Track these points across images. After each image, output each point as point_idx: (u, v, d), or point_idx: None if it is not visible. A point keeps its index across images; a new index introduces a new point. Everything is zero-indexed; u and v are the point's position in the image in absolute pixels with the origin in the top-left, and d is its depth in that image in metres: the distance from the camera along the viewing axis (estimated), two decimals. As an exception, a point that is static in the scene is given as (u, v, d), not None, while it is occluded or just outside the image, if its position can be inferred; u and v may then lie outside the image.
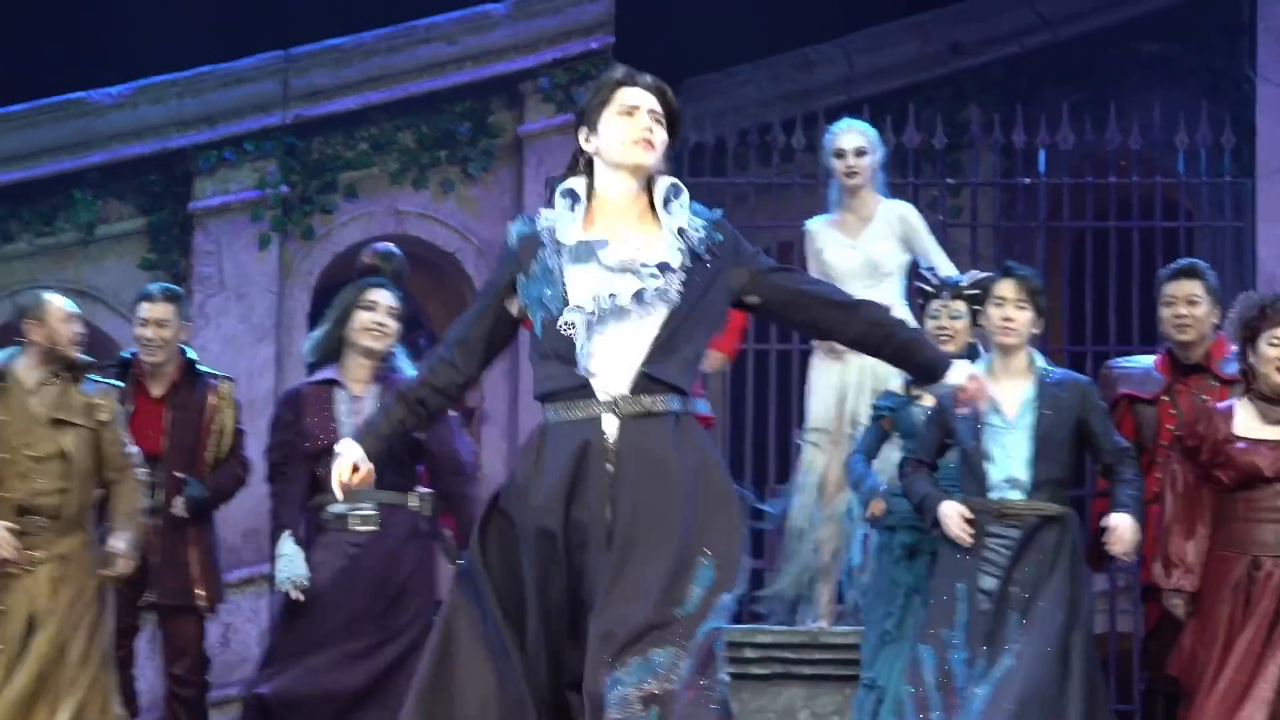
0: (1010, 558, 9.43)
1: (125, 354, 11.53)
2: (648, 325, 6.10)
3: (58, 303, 10.52)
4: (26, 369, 10.40)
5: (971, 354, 10.03)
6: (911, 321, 9.98)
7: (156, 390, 11.22)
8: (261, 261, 14.68)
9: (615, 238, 6.22)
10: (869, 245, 11.39)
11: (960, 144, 14.40)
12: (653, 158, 6.25)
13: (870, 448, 10.57)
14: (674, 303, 6.10)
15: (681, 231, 6.23)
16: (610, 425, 6.10)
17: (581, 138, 6.28)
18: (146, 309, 11.15)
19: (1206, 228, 14.52)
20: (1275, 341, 9.05)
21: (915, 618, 10.03)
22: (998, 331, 9.56)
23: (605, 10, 15.00)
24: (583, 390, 6.12)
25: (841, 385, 11.52)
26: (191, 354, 11.45)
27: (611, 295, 6.10)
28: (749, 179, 14.62)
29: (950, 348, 10.00)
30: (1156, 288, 10.10)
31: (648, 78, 6.31)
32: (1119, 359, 10.78)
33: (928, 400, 10.04)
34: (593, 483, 6.11)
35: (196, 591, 11.18)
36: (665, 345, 6.11)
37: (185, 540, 11.23)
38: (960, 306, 10.12)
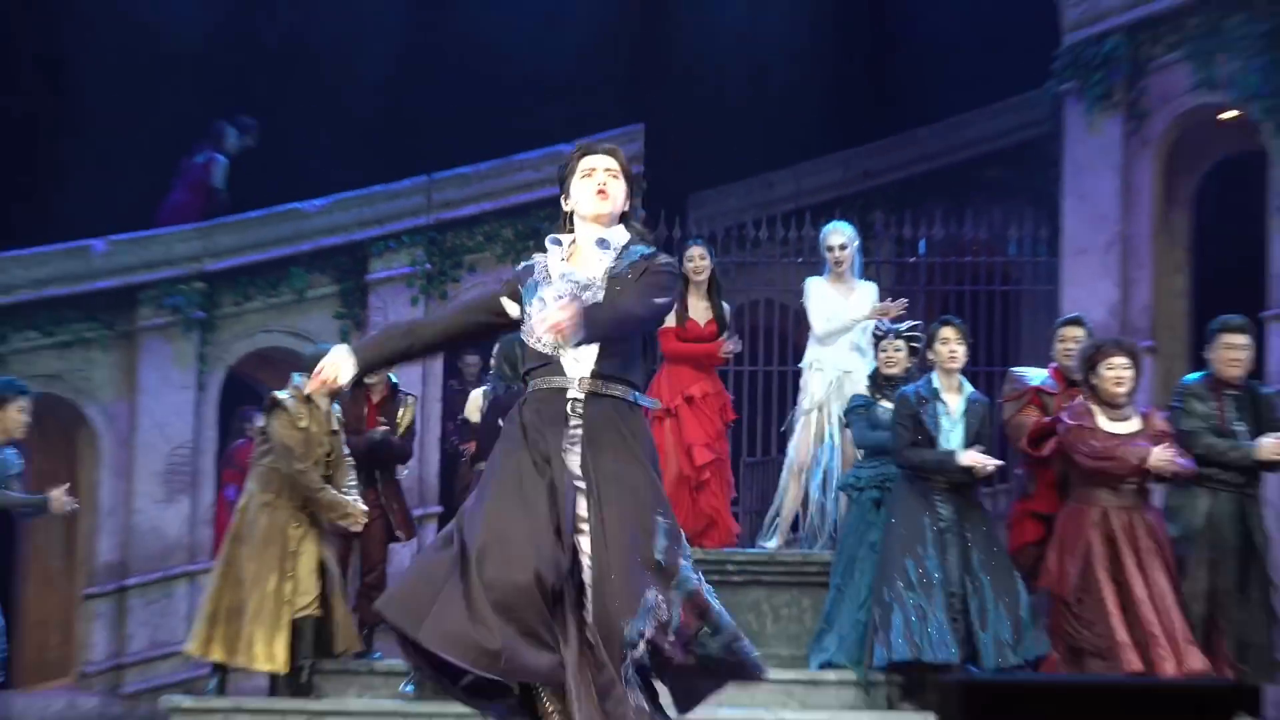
0: (952, 502, 10.42)
1: None
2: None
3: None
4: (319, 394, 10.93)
5: (909, 375, 11.06)
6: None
7: (375, 398, 12.22)
8: (413, 311, 15.45)
9: (584, 268, 6.51)
10: (854, 306, 12.07)
11: (869, 235, 14.97)
12: (609, 205, 6.54)
13: (864, 431, 11.22)
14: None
15: (615, 258, 6.50)
16: (574, 396, 6.42)
17: (563, 201, 6.67)
18: None
19: (1028, 291, 15.83)
20: (1111, 368, 9.89)
21: (879, 549, 10.68)
22: (947, 361, 10.55)
23: (637, 149, 15.38)
24: (556, 368, 6.44)
25: (823, 391, 12.14)
26: (394, 378, 12.30)
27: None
28: (731, 259, 15.46)
29: (895, 370, 11.05)
30: (1053, 331, 11.08)
31: (603, 144, 6.71)
32: (1020, 369, 11.38)
33: (888, 404, 10.93)
34: (561, 436, 6.39)
35: (397, 533, 12.29)
36: (605, 347, 6.44)
37: (389, 493, 12.30)
38: (901, 343, 11.14)
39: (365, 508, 11.50)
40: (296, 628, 11.38)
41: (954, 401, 10.58)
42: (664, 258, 6.67)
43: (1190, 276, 14.99)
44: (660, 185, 15.97)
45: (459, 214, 15.98)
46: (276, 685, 11.61)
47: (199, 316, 15.36)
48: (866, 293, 12.30)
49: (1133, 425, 9.97)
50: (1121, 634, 9.69)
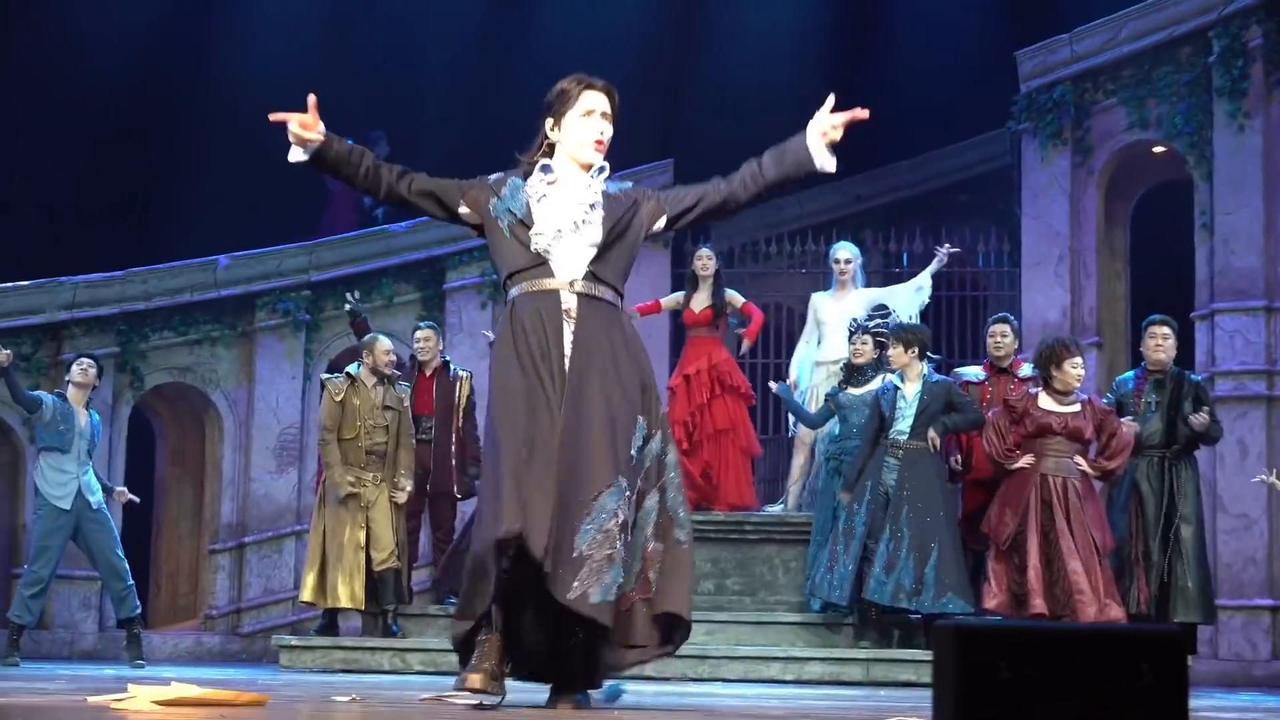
0: (899, 470, 10.55)
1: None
2: (588, 237, 5.59)
3: (381, 343, 11.84)
4: (365, 375, 11.77)
5: (876, 365, 11.18)
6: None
7: (429, 373, 12.35)
8: (483, 316, 15.34)
9: (568, 189, 5.66)
10: (847, 309, 12.17)
11: (860, 250, 13.87)
12: (600, 157, 5.72)
13: (818, 418, 11.68)
14: (599, 229, 5.58)
15: (603, 192, 5.65)
16: (567, 298, 5.57)
17: (548, 126, 5.76)
18: (421, 334, 12.55)
19: (994, 296, 15.88)
20: (1074, 365, 9.95)
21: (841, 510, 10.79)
22: (892, 362, 10.75)
23: (668, 180, 15.09)
24: (545, 272, 5.59)
25: (823, 378, 12.19)
26: (447, 357, 12.57)
27: (566, 218, 5.60)
28: (745, 270, 15.69)
29: (862, 360, 11.19)
30: (984, 329, 11.52)
31: (602, 81, 5.80)
32: (961, 367, 11.90)
33: (854, 390, 11.17)
34: (556, 337, 5.55)
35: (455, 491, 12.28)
36: (604, 257, 5.59)
37: (451, 456, 12.27)
38: (868, 338, 11.26)
39: (355, 490, 11.53)
40: (380, 577, 11.43)
41: (910, 389, 10.63)
42: (645, 188, 5.92)
43: (1129, 284, 15.05)
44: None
45: (521, 235, 15.94)
46: (366, 628, 11.75)
47: (305, 319, 15.39)
48: (859, 297, 12.42)
49: (1075, 407, 10.03)
50: (1034, 583, 9.74)
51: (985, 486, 10.74)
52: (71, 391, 11.81)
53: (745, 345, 12.80)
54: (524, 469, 5.43)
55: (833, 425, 11.49)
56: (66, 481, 11.55)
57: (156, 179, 17.00)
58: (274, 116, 5.66)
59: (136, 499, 12.40)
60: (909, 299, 12.47)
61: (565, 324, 5.57)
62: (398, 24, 17.80)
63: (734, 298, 12.65)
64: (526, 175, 5.76)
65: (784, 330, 15.84)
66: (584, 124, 5.74)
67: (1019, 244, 15.04)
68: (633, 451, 5.55)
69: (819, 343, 12.49)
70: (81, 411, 11.80)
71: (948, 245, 12.69)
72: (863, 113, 5.66)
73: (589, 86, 5.77)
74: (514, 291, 5.67)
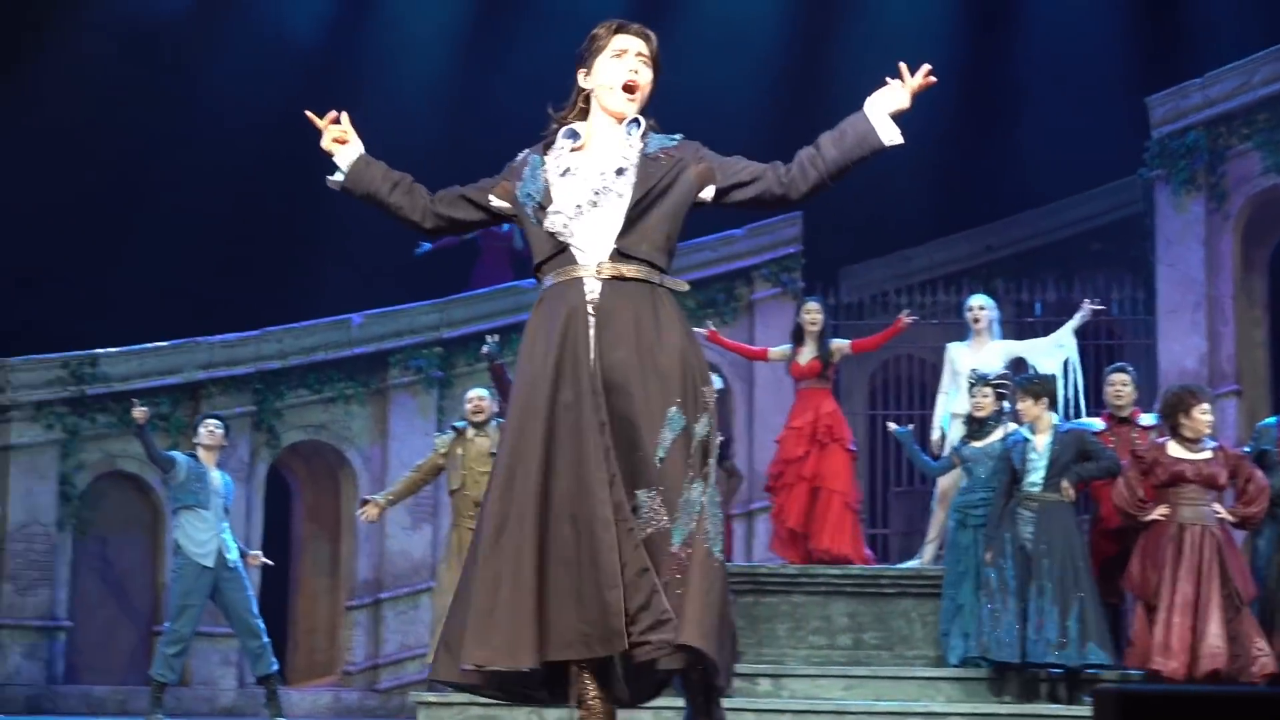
0: (1035, 523, 10.28)
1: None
2: (613, 211, 5.07)
3: (470, 394, 11.69)
4: (470, 427, 11.58)
5: (997, 417, 11.00)
6: None
7: None
8: None
9: (597, 153, 5.16)
10: (983, 360, 11.87)
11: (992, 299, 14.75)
12: (635, 106, 5.21)
13: (940, 467, 11.73)
14: (627, 197, 5.07)
15: (642, 140, 5.15)
16: (592, 286, 5.03)
17: (580, 76, 5.27)
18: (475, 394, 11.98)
19: (1130, 345, 15.53)
20: (1203, 411, 9.76)
21: (978, 561, 10.62)
22: (1022, 415, 10.51)
23: (797, 232, 15.76)
24: (568, 259, 5.08)
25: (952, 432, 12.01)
26: None
27: (586, 193, 5.09)
28: (876, 321, 14.63)
29: (984, 414, 11.00)
30: (1104, 378, 11.15)
31: (636, 25, 5.29)
32: (1079, 420, 11.43)
33: (977, 443, 11.00)
34: (578, 332, 5.00)
35: None
36: (637, 228, 5.07)
37: None
38: (989, 390, 11.06)
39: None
40: None
41: (1041, 440, 10.44)
42: (698, 144, 5.31)
43: (1268, 330, 14.92)
44: (816, 261, 16.02)
45: (645, 282, 15.92)
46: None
47: (438, 376, 15.45)
48: (996, 349, 12.29)
49: (1206, 454, 9.82)
50: (1174, 641, 9.56)
51: (1114, 536, 10.59)
52: (201, 452, 11.84)
53: (871, 341, 12.71)
54: (508, 555, 4.91)
55: (961, 478, 11.36)
56: (208, 539, 11.58)
57: (291, 239, 17.20)
58: (308, 115, 5.47)
59: (271, 562, 12.42)
60: (1049, 354, 12.29)
61: (589, 318, 5.04)
62: (528, 85, 17.84)
63: (840, 345, 12.50)
64: (549, 146, 5.27)
65: (915, 381, 15.75)
66: (614, 65, 5.23)
67: (1154, 292, 14.91)
68: (660, 453, 4.95)
69: (956, 393, 12.30)
70: (214, 470, 11.83)
71: (1090, 301, 12.45)
72: (931, 78, 5.23)
73: (621, 29, 5.26)
74: (543, 285, 5.17)
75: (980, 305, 12.39)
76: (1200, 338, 14.33)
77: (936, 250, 17.06)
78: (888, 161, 16.55)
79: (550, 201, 5.12)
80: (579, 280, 5.06)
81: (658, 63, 5.26)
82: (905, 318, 12.41)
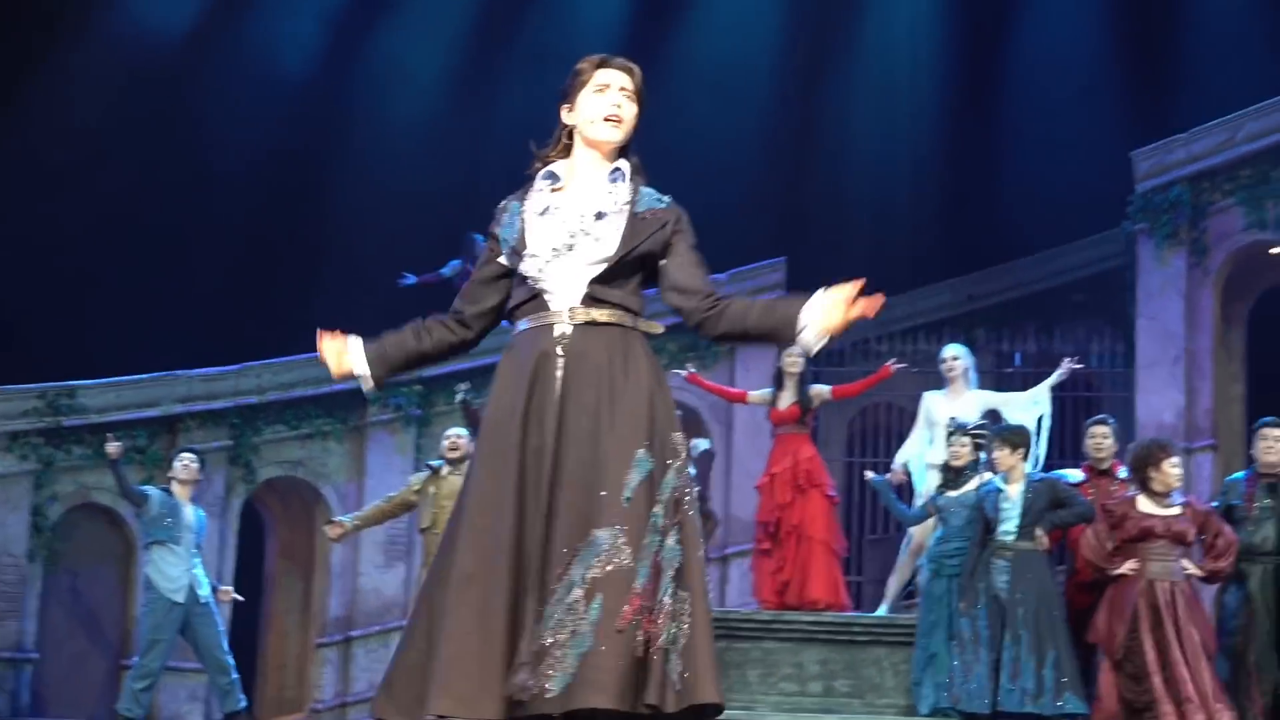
0: (1010, 572, 10.22)
1: None
2: (588, 255, 4.97)
3: (460, 437, 11.42)
4: (445, 467, 11.40)
5: (974, 467, 10.94)
6: None
7: None
8: None
9: (577, 191, 5.10)
10: (961, 410, 11.84)
11: (973, 349, 14.02)
12: (619, 134, 5.13)
13: (915, 515, 11.63)
14: (607, 242, 4.99)
15: (630, 194, 5.08)
16: (563, 330, 4.93)
17: (563, 112, 5.18)
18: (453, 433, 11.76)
19: (1108, 397, 15.41)
20: (1172, 465, 9.73)
21: (952, 611, 10.61)
22: (997, 465, 10.52)
23: (780, 277, 15.82)
24: (541, 304, 4.98)
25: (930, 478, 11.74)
26: None
27: (562, 235, 4.99)
28: (856, 369, 14.94)
29: (960, 463, 10.97)
30: (1084, 429, 11.00)
31: (620, 59, 5.21)
32: (1060, 471, 11.19)
33: (952, 493, 10.93)
34: (547, 377, 4.90)
35: None
36: (609, 273, 4.96)
37: None
38: (967, 439, 11.04)
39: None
40: None
41: (1014, 489, 10.42)
42: (682, 211, 5.17)
43: (1246, 386, 14.93)
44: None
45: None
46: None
47: (416, 414, 15.45)
48: (973, 399, 12.25)
49: (1175, 509, 9.80)
50: (1160, 691, 9.49)
51: (1089, 587, 10.34)
52: (176, 487, 11.77)
53: (853, 388, 12.77)
54: (476, 605, 4.80)
55: (935, 528, 11.32)
56: (179, 575, 11.51)
57: (274, 275, 17.23)
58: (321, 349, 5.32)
59: (241, 598, 12.33)
60: (1024, 409, 12.18)
61: (558, 360, 4.94)
62: (518, 123, 17.88)
63: (820, 391, 12.52)
64: (528, 190, 5.18)
65: (893, 429, 15.68)
66: (597, 100, 5.13)
67: (1133, 345, 14.93)
68: (627, 493, 4.81)
69: (930, 442, 12.24)
70: (188, 505, 11.76)
71: (1069, 360, 12.36)
72: (871, 311, 5.09)
73: (604, 64, 5.16)
74: (515, 329, 5.08)
75: (954, 355, 12.38)
76: (1178, 392, 14.33)
77: (919, 299, 16.91)
78: (873, 208, 16.62)
79: (525, 245, 5.04)
80: (549, 326, 4.98)
81: (642, 97, 5.18)
82: (893, 366, 12.42)
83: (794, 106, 18.42)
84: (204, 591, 11.62)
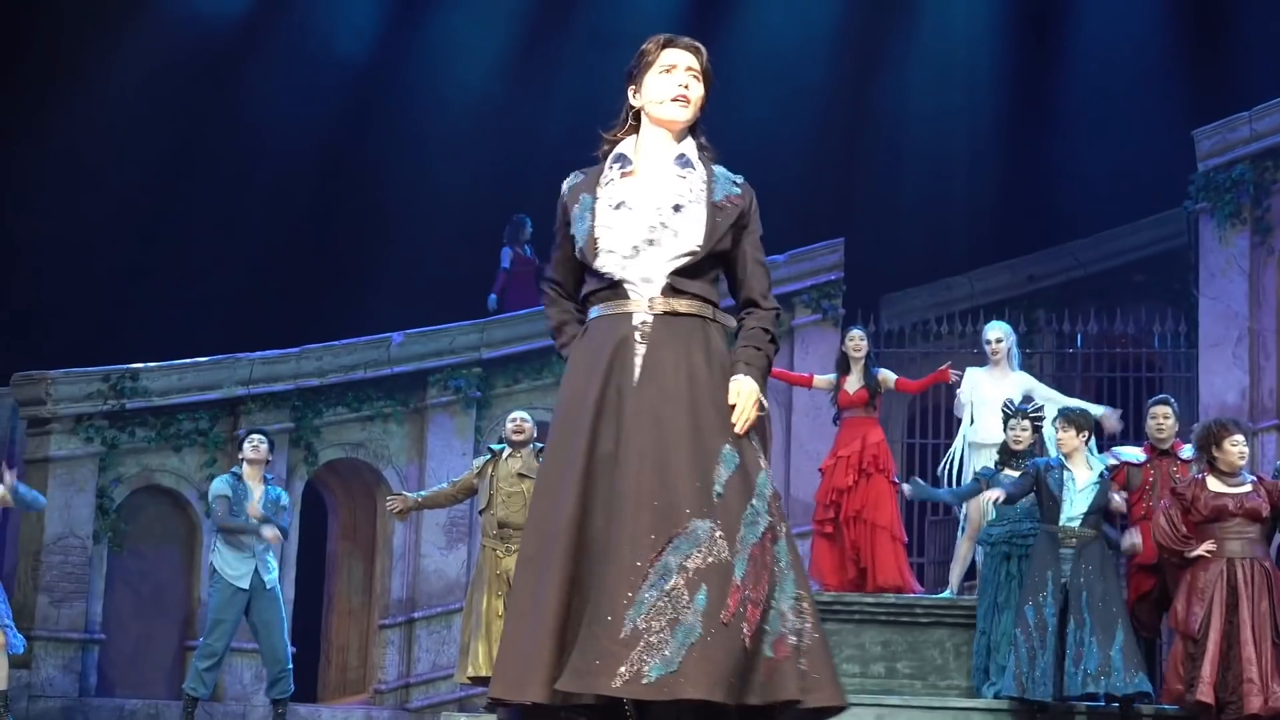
0: (1073, 560, 10.26)
1: None
2: (669, 250, 4.93)
3: (526, 421, 11.40)
4: (511, 448, 11.29)
5: (1032, 450, 11.03)
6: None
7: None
8: None
9: (650, 180, 5.05)
10: (1005, 391, 11.82)
11: (1034, 331, 15.65)
12: (687, 113, 5.08)
13: (966, 493, 11.54)
14: (687, 236, 4.95)
15: (705, 180, 5.04)
16: (643, 319, 4.90)
17: (630, 94, 5.13)
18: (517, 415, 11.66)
19: (1171, 378, 15.41)
20: (1234, 443, 9.70)
21: (1013, 594, 10.68)
22: (1059, 444, 10.55)
23: (838, 259, 15.66)
24: (620, 293, 4.95)
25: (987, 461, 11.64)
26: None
27: (641, 231, 4.96)
28: (916, 349, 15.54)
29: (1020, 446, 10.98)
30: (1145, 410, 11.11)
31: (685, 39, 5.15)
32: (1119, 447, 11.48)
33: (1010, 472, 10.91)
34: (625, 364, 4.88)
35: None
36: (690, 266, 4.93)
37: None
38: (1027, 422, 11.11)
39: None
40: None
41: (1081, 474, 10.42)
42: (753, 194, 5.14)
43: (1311, 365, 14.76)
44: (858, 288, 16.04)
45: (683, 312, 15.89)
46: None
47: (476, 396, 15.37)
48: (1017, 381, 12.22)
49: (1246, 487, 9.76)
50: (1206, 671, 9.47)
51: (1151, 570, 10.55)
52: (245, 469, 11.80)
53: (914, 385, 12.79)
54: (530, 589, 4.82)
55: (988, 509, 11.28)
56: (243, 560, 11.55)
57: (333, 258, 17.34)
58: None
59: (280, 535, 11.94)
60: (1055, 404, 11.97)
61: (638, 346, 4.92)
62: (576, 105, 17.82)
63: (886, 377, 12.51)
64: (598, 175, 5.13)
65: (941, 411, 15.60)
66: (663, 80, 5.09)
67: (1196, 325, 14.86)
68: (718, 487, 4.79)
69: (972, 421, 12.28)
70: (256, 487, 11.76)
71: (1115, 418, 12.21)
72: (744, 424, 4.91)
73: (669, 43, 5.13)
74: (590, 315, 5.06)
75: (998, 337, 12.38)
76: (1242, 371, 14.21)
77: (979, 280, 16.90)
78: (931, 189, 16.65)
79: (603, 239, 5.01)
80: (628, 315, 4.95)
81: (709, 77, 5.15)
82: (951, 372, 12.35)
83: (852, 89, 18.39)
84: (270, 577, 11.65)
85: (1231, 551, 9.71)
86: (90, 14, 16.85)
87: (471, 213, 17.34)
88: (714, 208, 5.01)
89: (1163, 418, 10.96)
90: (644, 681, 4.62)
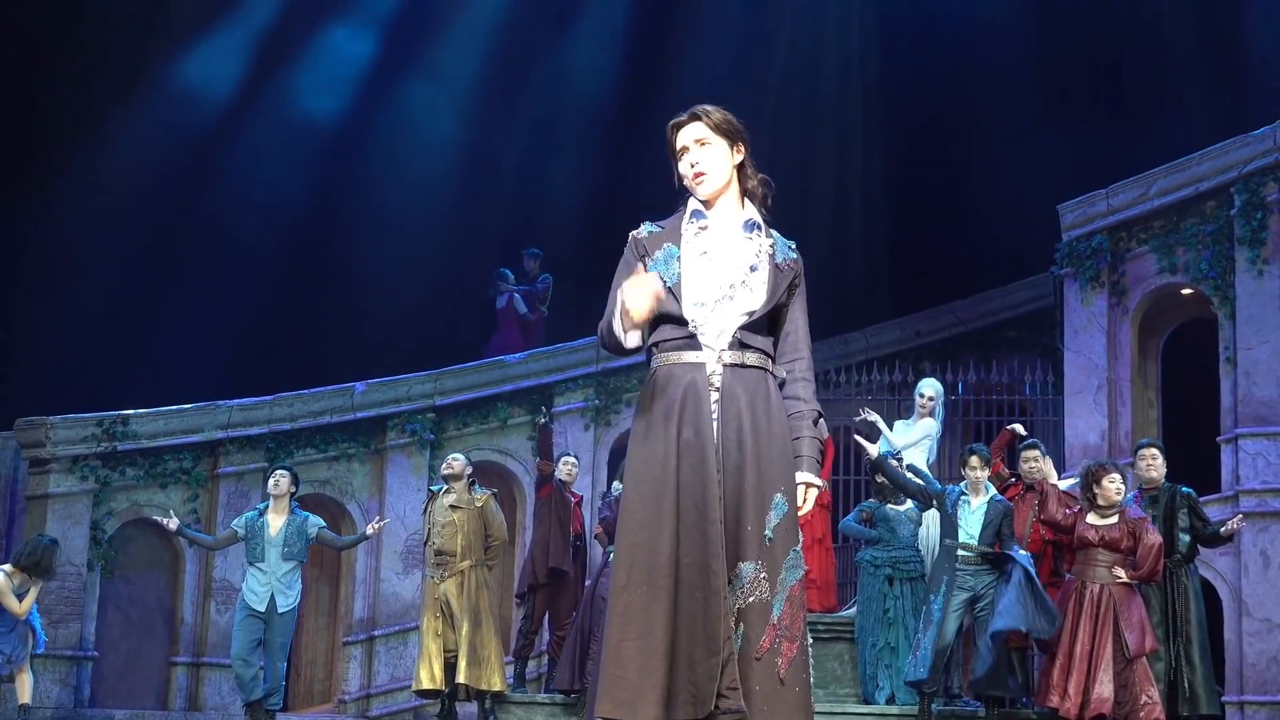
0: (972, 573, 10.36)
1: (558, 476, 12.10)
2: (742, 305, 4.83)
3: (457, 459, 11.53)
4: (450, 487, 11.41)
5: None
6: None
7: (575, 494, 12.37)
8: (585, 435, 15.55)
9: (725, 238, 4.94)
10: (921, 435, 12.05)
11: (920, 379, 14.48)
12: (707, 187, 4.96)
13: (852, 526, 11.65)
14: (758, 294, 4.86)
15: (770, 244, 4.95)
16: (714, 369, 4.81)
17: (675, 179, 5.05)
18: (569, 460, 12.35)
19: (1040, 421, 15.36)
20: (1112, 480, 9.81)
21: (899, 610, 10.88)
22: (969, 476, 10.56)
23: None
24: (694, 343, 4.82)
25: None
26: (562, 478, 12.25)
27: (722, 285, 4.85)
28: (820, 397, 15.96)
29: (976, 477, 10.63)
30: (1018, 452, 11.30)
31: (683, 114, 5.00)
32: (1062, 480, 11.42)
33: (898, 507, 11.15)
34: (700, 411, 4.78)
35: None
36: (755, 321, 4.85)
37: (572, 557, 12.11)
38: (978, 460, 10.71)
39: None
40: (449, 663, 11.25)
41: (976, 501, 10.52)
42: (801, 259, 5.05)
43: (1160, 410, 14.89)
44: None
45: (618, 364, 15.88)
46: (483, 713, 11.50)
47: (430, 439, 15.38)
48: (932, 430, 12.31)
49: (1112, 519, 9.87)
50: (1056, 677, 9.60)
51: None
52: (271, 502, 11.72)
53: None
54: (637, 617, 4.71)
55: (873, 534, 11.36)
56: (260, 589, 11.43)
57: (303, 316, 17.26)
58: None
59: (386, 521, 12.15)
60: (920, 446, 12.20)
61: (713, 393, 4.81)
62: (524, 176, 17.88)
63: None
64: (677, 228, 4.98)
65: (851, 451, 15.68)
66: (681, 164, 4.99)
67: (1061, 375, 14.96)
68: (768, 531, 4.75)
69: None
70: (275, 519, 11.61)
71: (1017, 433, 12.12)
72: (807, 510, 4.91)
73: (674, 128, 5.01)
74: (656, 361, 4.91)
75: (930, 395, 12.38)
76: (1102, 416, 14.35)
77: (873, 335, 16.99)
78: (836, 251, 16.44)
79: (684, 292, 4.87)
80: (701, 364, 4.83)
81: (726, 125, 4.97)
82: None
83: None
84: (285, 600, 11.52)
85: (1088, 576, 9.83)
86: (96, 92, 16.81)
87: (431, 275, 17.37)
88: (776, 269, 4.94)
89: (1033, 460, 11.09)
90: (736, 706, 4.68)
